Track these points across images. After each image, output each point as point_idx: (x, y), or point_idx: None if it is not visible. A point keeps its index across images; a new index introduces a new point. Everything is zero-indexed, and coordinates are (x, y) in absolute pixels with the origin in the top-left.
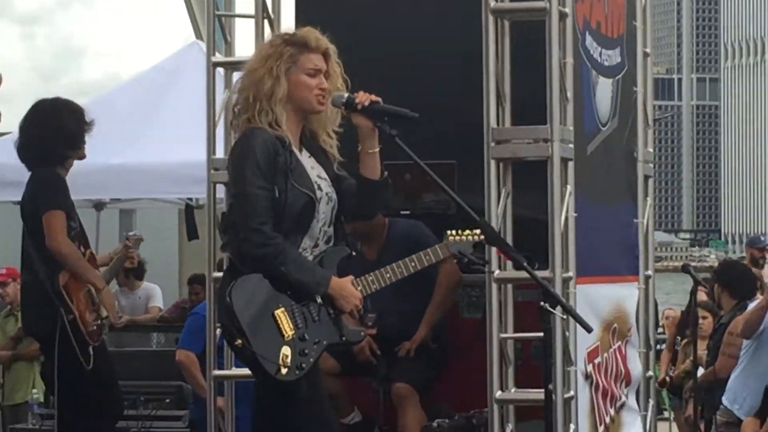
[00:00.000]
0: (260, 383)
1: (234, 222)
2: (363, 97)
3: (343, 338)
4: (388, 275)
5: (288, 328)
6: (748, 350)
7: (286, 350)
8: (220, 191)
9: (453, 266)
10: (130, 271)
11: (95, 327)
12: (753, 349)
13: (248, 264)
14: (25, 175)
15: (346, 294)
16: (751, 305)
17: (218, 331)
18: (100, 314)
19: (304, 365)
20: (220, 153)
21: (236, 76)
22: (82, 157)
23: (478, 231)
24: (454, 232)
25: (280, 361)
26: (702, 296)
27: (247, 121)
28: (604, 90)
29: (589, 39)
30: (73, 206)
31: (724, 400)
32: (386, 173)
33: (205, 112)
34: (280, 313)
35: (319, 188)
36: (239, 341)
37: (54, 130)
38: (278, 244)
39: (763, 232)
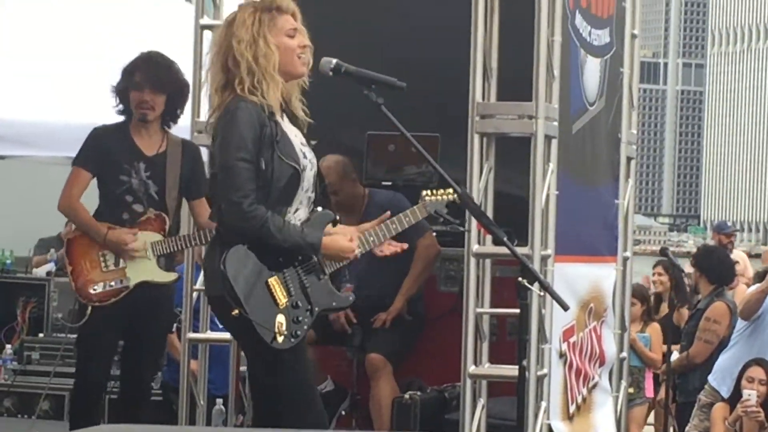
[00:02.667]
0: (251, 350)
1: (216, 194)
2: None
3: (334, 303)
4: (371, 238)
5: (281, 296)
6: (743, 332)
7: (280, 318)
8: (204, 154)
9: (431, 239)
10: None
11: (97, 287)
12: (749, 332)
13: (234, 235)
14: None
15: (340, 248)
16: (750, 289)
17: (194, 294)
18: (119, 277)
19: (298, 332)
20: (204, 116)
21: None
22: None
23: (451, 190)
24: (429, 192)
25: (276, 329)
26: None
27: (234, 92)
28: (592, 69)
29: (578, 18)
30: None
31: (711, 380)
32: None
33: (191, 74)
34: (273, 282)
35: (304, 156)
36: (236, 311)
37: None
38: (260, 216)
39: (741, 220)
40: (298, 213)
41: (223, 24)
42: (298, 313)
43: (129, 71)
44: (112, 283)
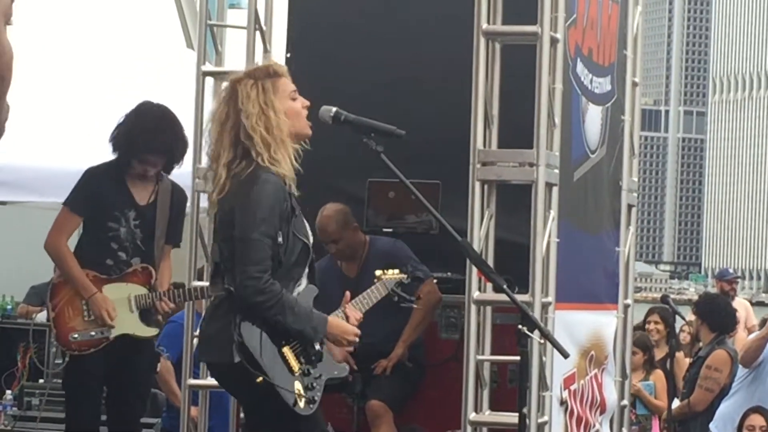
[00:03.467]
0: (272, 416)
1: (234, 266)
2: None
3: (335, 372)
4: (358, 306)
5: (294, 364)
6: (744, 380)
7: (297, 385)
8: (204, 200)
9: (432, 286)
10: None
11: (77, 335)
12: (750, 379)
13: (246, 298)
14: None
15: (343, 331)
16: (750, 336)
17: (195, 341)
18: (102, 327)
19: (315, 398)
20: (205, 162)
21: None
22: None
23: (398, 270)
24: (382, 271)
25: (296, 394)
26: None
27: (252, 163)
28: (593, 117)
29: (580, 65)
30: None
31: (713, 428)
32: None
33: (193, 121)
34: (287, 350)
35: (312, 233)
36: (260, 378)
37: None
38: (275, 293)
39: (742, 267)
40: (299, 287)
41: (221, 100)
42: (310, 380)
43: (134, 130)
44: (92, 333)
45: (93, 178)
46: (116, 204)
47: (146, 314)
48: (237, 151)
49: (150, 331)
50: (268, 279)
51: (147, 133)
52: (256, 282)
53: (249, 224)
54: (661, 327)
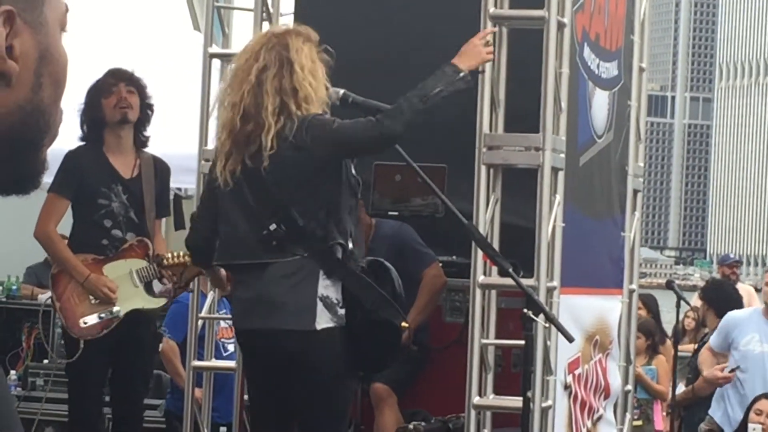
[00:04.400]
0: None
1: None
2: None
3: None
4: None
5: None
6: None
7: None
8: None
9: (438, 270)
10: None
11: (86, 322)
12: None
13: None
14: None
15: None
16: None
17: (200, 321)
18: (109, 308)
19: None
20: (211, 144)
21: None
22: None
23: None
24: None
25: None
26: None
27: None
28: (600, 102)
29: (587, 50)
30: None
31: (710, 411)
32: None
33: (199, 102)
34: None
35: None
36: (404, 323)
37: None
38: (398, 111)
39: (747, 253)
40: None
41: (259, 48)
42: None
43: (95, 84)
44: (102, 315)
45: (73, 158)
46: (102, 179)
47: (150, 286)
48: (277, 103)
49: (158, 302)
50: (381, 120)
51: (109, 76)
52: (380, 127)
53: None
54: (643, 312)
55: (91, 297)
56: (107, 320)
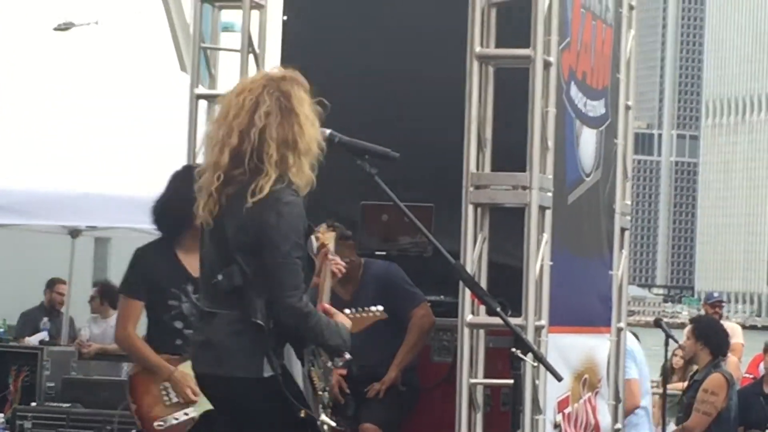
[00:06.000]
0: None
1: (272, 291)
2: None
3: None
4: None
5: (318, 383)
6: None
7: (323, 416)
8: None
9: (426, 310)
10: (104, 299)
11: (161, 424)
12: None
13: (295, 324)
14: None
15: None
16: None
17: None
18: (185, 407)
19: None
20: None
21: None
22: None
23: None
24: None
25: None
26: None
27: (283, 178)
28: (588, 140)
29: (574, 89)
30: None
31: None
32: None
33: (186, 143)
34: (314, 372)
35: None
36: (303, 412)
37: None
38: (313, 312)
39: (735, 291)
40: None
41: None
42: (324, 396)
43: (174, 200)
44: (176, 418)
45: (142, 258)
46: (172, 281)
47: None
48: (278, 153)
49: None
50: (307, 301)
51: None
52: (300, 306)
53: (285, 248)
54: None
55: (165, 398)
56: (182, 423)
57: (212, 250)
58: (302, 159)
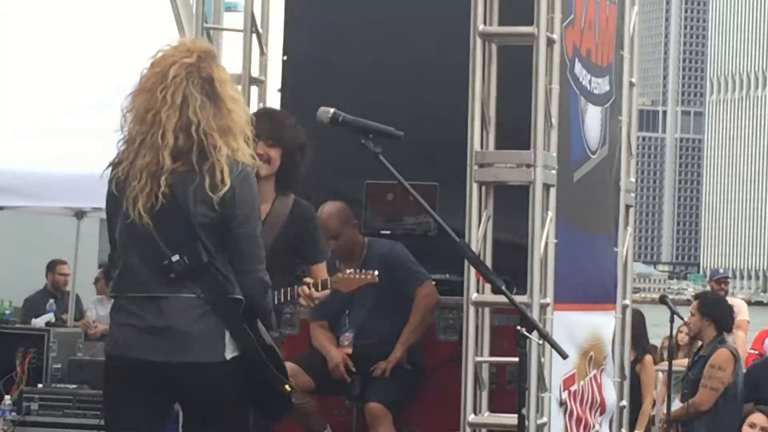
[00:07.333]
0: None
1: (242, 264)
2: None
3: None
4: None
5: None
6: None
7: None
8: None
9: (431, 288)
10: (109, 280)
11: None
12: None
13: (263, 297)
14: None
15: None
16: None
17: None
18: None
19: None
20: None
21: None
22: None
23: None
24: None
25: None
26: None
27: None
28: (593, 117)
29: (578, 66)
30: None
31: None
32: None
33: None
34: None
35: None
36: (288, 386)
37: None
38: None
39: (740, 267)
40: None
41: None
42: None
43: None
44: None
45: None
46: None
47: None
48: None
49: None
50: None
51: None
52: (267, 279)
53: (257, 223)
54: None
55: None
56: None
57: (157, 234)
58: (239, 140)
